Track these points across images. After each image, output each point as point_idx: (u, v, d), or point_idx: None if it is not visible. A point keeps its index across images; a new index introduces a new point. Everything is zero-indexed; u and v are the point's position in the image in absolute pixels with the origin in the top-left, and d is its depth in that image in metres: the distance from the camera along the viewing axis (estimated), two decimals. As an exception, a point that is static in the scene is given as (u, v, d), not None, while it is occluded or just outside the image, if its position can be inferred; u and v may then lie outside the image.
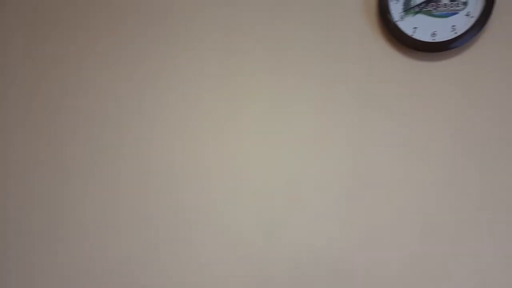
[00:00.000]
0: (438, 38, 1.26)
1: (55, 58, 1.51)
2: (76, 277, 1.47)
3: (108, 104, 1.46)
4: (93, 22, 1.49)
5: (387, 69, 1.30)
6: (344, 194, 1.31)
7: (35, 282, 1.50)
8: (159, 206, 1.42)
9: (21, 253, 1.52)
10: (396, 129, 1.29)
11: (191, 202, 1.40)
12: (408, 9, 1.28)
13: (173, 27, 1.43)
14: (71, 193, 1.48)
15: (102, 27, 1.48)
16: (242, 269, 1.37)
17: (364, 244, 1.29)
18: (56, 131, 1.50)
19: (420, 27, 1.27)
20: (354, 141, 1.31)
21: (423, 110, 1.28)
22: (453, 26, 1.25)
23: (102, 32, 1.48)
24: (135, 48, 1.45)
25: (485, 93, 1.25)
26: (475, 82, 1.25)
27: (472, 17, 1.24)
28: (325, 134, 1.33)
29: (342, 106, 1.33)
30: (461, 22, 1.25)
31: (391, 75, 1.30)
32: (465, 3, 1.25)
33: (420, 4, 1.27)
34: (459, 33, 1.24)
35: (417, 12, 1.28)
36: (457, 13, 1.25)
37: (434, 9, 1.27)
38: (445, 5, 1.26)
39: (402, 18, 1.28)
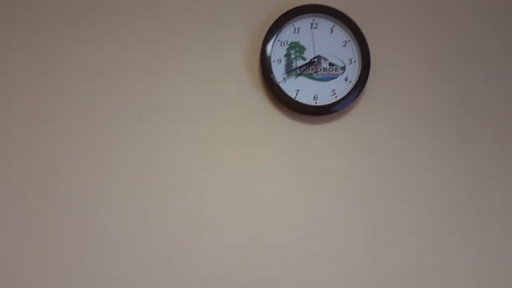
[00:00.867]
0: (320, 102, 1.25)
1: None
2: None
3: None
4: None
5: (272, 131, 1.25)
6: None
7: None
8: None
9: None
10: (280, 192, 1.23)
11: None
12: (290, 70, 1.26)
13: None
14: None
15: None
16: None
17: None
18: None
19: (302, 89, 1.25)
20: (241, 206, 1.22)
21: (307, 174, 1.24)
22: (333, 90, 1.26)
23: None
24: None
25: (364, 157, 1.26)
26: (355, 146, 1.26)
27: (350, 81, 1.26)
28: (208, 196, 1.21)
29: (226, 168, 1.23)
30: (340, 87, 1.26)
31: (275, 138, 1.25)
32: (343, 68, 1.27)
33: (301, 66, 1.26)
34: (339, 98, 1.25)
35: (298, 74, 1.26)
36: (336, 77, 1.26)
37: (315, 72, 1.26)
38: (325, 69, 1.27)
39: (284, 79, 1.25)
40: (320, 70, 1.26)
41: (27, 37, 1.25)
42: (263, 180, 1.23)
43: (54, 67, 1.24)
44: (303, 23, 1.28)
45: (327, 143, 1.26)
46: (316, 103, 1.25)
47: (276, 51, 1.26)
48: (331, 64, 1.27)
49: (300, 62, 1.26)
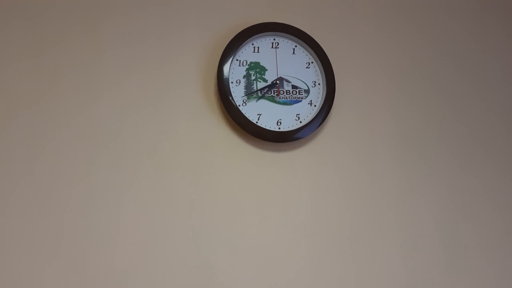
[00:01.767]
0: (284, 127, 1.14)
1: None
2: None
3: None
4: None
5: (231, 160, 1.11)
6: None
7: None
8: None
9: None
10: (239, 230, 1.09)
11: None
12: (250, 93, 1.14)
13: None
14: None
15: None
16: None
17: None
18: None
19: (265, 113, 1.14)
20: (193, 247, 1.06)
21: (270, 209, 1.11)
22: (298, 114, 1.15)
23: None
24: None
25: (330, 187, 1.15)
26: (321, 174, 1.15)
27: (315, 105, 1.17)
28: (160, 230, 1.05)
29: (180, 199, 1.07)
30: (305, 111, 1.16)
31: (235, 167, 1.11)
32: (307, 91, 1.17)
33: (263, 88, 1.15)
34: (304, 123, 1.15)
35: (260, 97, 1.14)
36: (300, 100, 1.16)
37: (277, 95, 1.15)
38: (287, 91, 1.16)
39: (244, 102, 1.13)
40: (283, 93, 1.16)
41: None
42: (220, 217, 1.09)
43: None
44: (263, 42, 1.17)
45: (292, 173, 1.14)
46: (280, 128, 1.13)
47: (235, 71, 1.14)
48: (294, 87, 1.17)
49: (261, 84, 1.15)
